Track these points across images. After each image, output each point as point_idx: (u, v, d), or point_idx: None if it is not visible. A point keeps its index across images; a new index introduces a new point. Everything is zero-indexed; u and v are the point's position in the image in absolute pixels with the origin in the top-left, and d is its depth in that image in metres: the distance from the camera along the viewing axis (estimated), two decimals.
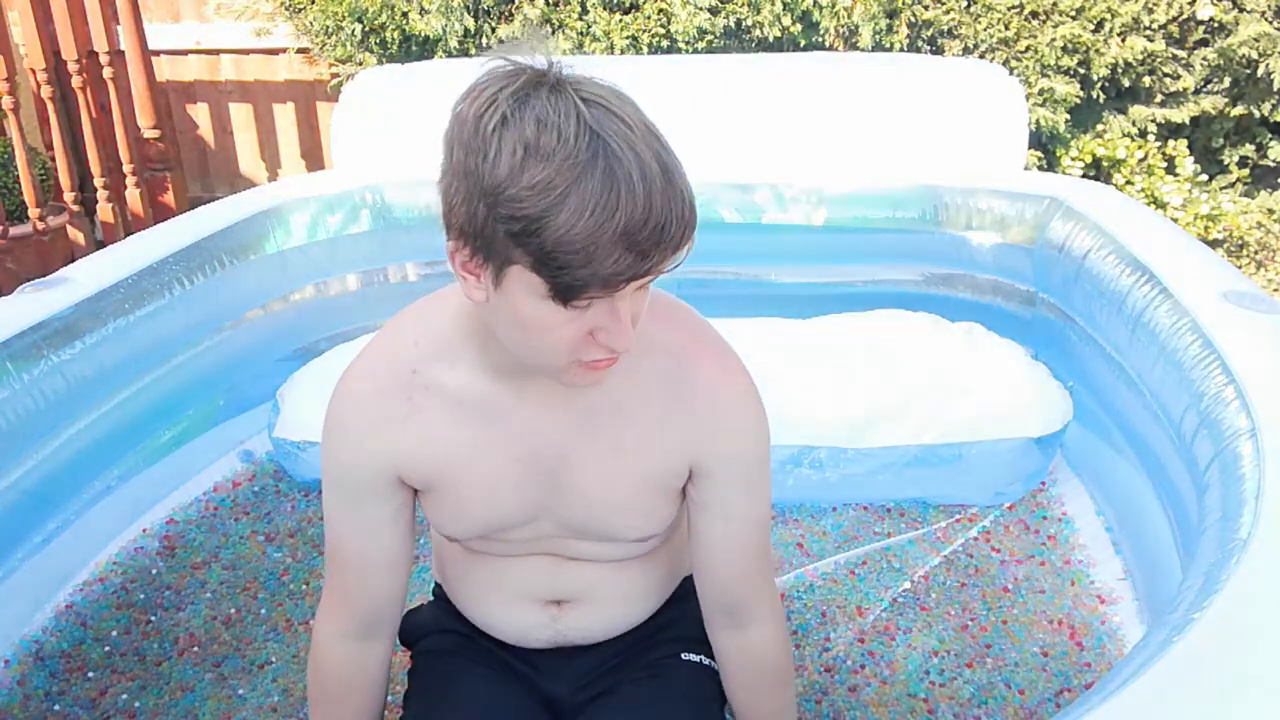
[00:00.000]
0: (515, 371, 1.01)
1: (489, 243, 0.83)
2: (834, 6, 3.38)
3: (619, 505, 1.09)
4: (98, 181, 3.69)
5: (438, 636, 1.31)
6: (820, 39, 3.47)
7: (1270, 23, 3.40)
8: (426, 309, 1.08)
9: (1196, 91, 3.57)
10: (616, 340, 0.88)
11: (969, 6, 3.43)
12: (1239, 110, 3.60)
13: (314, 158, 4.30)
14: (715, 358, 1.08)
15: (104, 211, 3.73)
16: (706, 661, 1.26)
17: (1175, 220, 3.42)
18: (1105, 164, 3.56)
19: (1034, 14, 3.43)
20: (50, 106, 3.53)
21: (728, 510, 1.10)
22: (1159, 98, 3.57)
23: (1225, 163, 3.73)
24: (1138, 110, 3.56)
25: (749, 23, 3.44)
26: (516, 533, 1.12)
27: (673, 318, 1.08)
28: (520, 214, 0.80)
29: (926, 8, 3.43)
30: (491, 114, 0.81)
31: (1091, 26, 3.41)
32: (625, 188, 0.79)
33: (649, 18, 3.45)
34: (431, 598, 1.40)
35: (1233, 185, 3.72)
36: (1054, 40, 3.38)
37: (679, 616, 1.28)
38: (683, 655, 1.25)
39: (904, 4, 3.40)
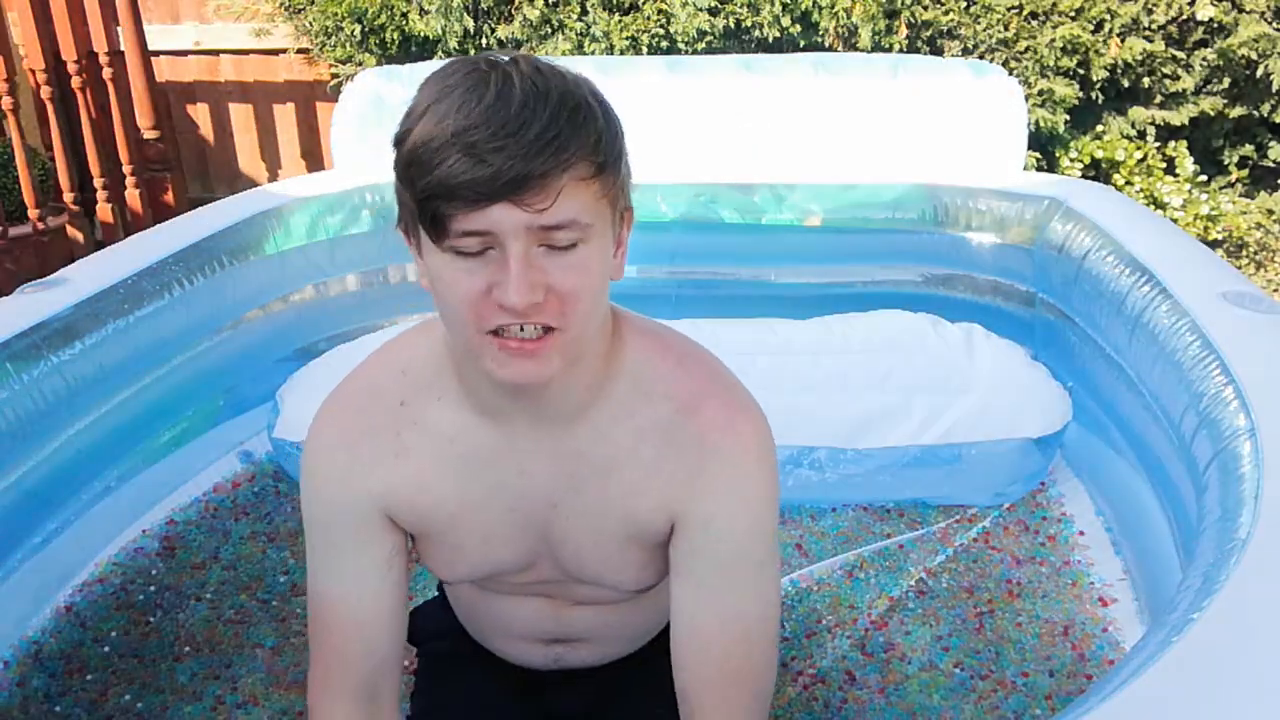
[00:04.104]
0: (498, 409, 0.95)
1: (399, 199, 0.83)
2: (833, 7, 3.38)
3: (609, 560, 1.01)
4: (97, 182, 3.69)
5: (443, 640, 1.31)
6: (819, 39, 3.47)
7: (1270, 23, 3.41)
8: (412, 337, 1.02)
9: (1196, 92, 3.57)
10: (505, 293, 0.78)
11: (968, 7, 3.43)
12: (1239, 111, 3.60)
13: (314, 158, 4.30)
14: (721, 406, 0.96)
15: (104, 212, 3.73)
16: None
17: (1175, 221, 3.42)
18: (1104, 165, 3.57)
19: (1033, 15, 3.43)
20: (50, 107, 3.53)
21: (700, 585, 0.96)
22: (1158, 98, 3.58)
23: (1225, 163, 3.73)
24: (1137, 112, 3.56)
25: (748, 23, 3.44)
26: (515, 577, 1.07)
27: (685, 364, 0.98)
28: (395, 141, 0.81)
29: (926, 8, 3.43)
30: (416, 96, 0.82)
31: (1091, 27, 3.41)
32: (476, 98, 0.76)
33: (648, 18, 3.46)
34: (436, 594, 1.40)
35: (1232, 186, 3.72)
36: (1053, 41, 3.38)
37: None
38: None
39: (903, 4, 3.40)
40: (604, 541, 1.00)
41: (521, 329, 0.81)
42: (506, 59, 0.79)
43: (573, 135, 0.77)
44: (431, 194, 0.77)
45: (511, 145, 0.74)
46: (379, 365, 1.02)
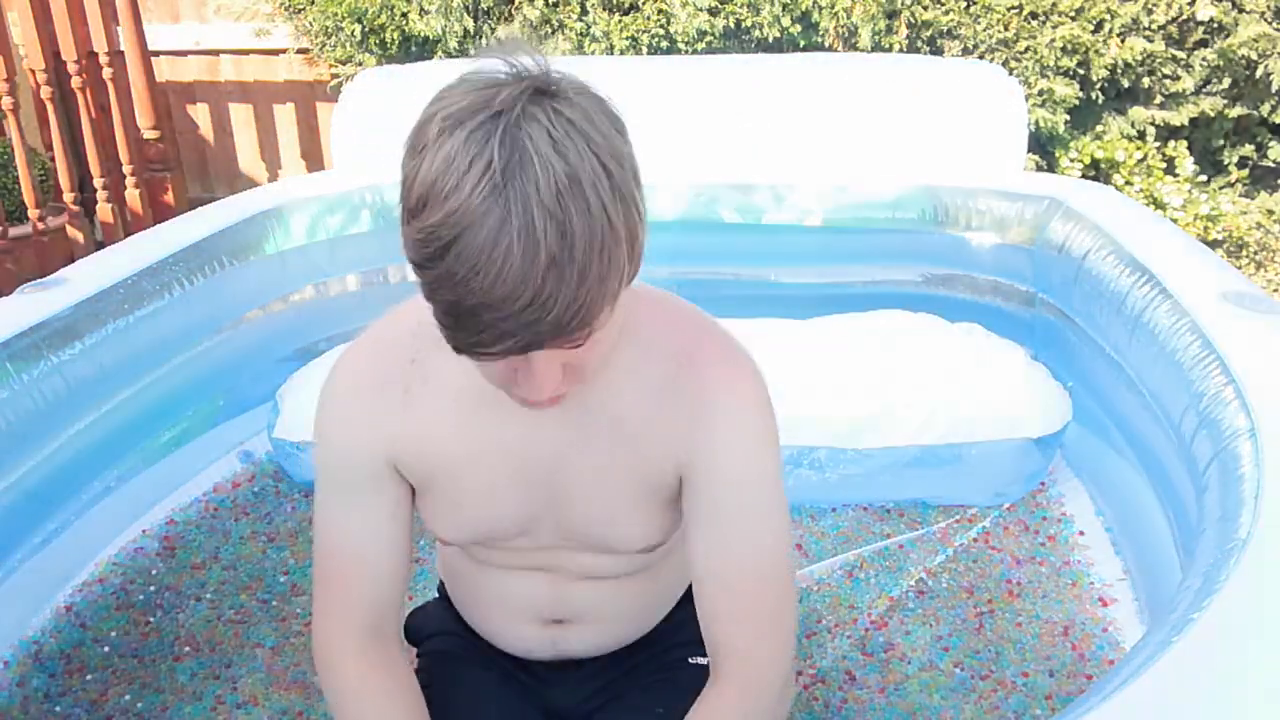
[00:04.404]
0: None
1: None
2: (833, 7, 3.38)
3: (615, 515, 1.04)
4: (97, 182, 3.69)
5: (444, 638, 1.31)
6: (819, 40, 3.48)
7: (1270, 23, 3.41)
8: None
9: (1196, 92, 3.57)
10: (527, 392, 0.84)
11: (968, 7, 3.43)
12: (1238, 111, 3.60)
13: (314, 158, 4.30)
14: (719, 361, 1.02)
15: (104, 212, 3.73)
16: None
17: (1175, 221, 3.42)
18: (1104, 165, 3.57)
19: (1033, 15, 3.43)
20: (50, 107, 3.53)
21: (711, 530, 1.01)
22: (1158, 99, 3.58)
23: (1225, 163, 3.73)
24: (1137, 112, 3.56)
25: (748, 23, 3.44)
26: (515, 542, 1.09)
27: (681, 321, 1.03)
28: (409, 254, 0.78)
29: (926, 8, 3.43)
30: (424, 131, 0.78)
31: (1091, 27, 3.41)
32: (502, 255, 0.72)
33: (648, 18, 3.46)
34: (436, 595, 1.40)
35: (1232, 186, 3.72)
36: (1053, 41, 3.38)
37: (685, 619, 1.26)
38: (690, 659, 1.24)
39: (903, 5, 3.40)
40: (610, 495, 1.03)
41: None
42: (519, 144, 0.73)
43: (601, 294, 0.75)
44: (455, 344, 0.79)
45: (540, 320, 0.74)
46: (392, 323, 1.06)
